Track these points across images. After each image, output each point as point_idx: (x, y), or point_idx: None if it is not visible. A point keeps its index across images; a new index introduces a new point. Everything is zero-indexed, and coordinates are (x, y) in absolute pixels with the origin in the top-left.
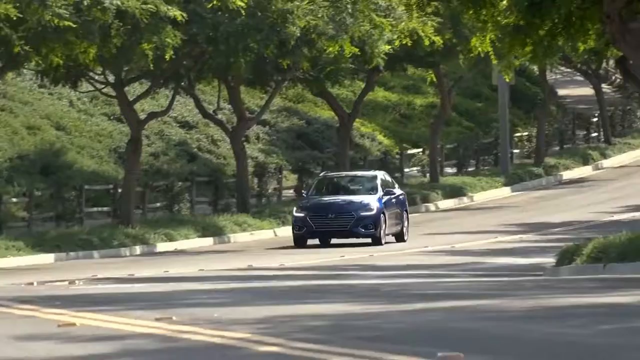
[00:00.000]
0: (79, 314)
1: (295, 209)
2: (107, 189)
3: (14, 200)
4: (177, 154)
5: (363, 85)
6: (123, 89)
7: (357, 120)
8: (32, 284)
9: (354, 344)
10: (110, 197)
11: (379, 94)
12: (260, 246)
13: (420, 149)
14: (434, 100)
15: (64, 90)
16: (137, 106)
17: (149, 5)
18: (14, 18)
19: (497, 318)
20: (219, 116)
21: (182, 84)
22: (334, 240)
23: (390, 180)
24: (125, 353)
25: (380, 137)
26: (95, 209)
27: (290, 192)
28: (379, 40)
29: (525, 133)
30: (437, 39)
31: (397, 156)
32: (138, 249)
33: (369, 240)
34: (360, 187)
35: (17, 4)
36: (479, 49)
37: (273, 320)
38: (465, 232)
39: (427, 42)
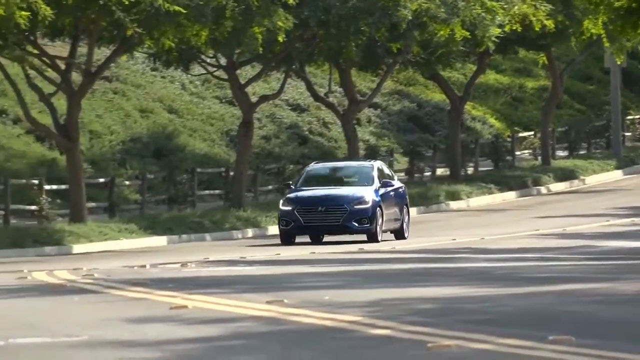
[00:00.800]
0: (191, 296)
1: (281, 202)
2: (219, 172)
3: (127, 183)
4: (288, 137)
5: (474, 68)
6: (235, 72)
7: (468, 103)
8: (144, 266)
9: (463, 327)
10: (222, 180)
11: (490, 77)
12: None
13: (532, 132)
14: (546, 83)
15: (176, 73)
16: (248, 89)
17: None
18: (127, 2)
19: (608, 302)
20: (330, 99)
21: (294, 67)
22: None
23: (389, 172)
24: (236, 336)
25: (491, 120)
26: (207, 191)
27: (402, 175)
28: (490, 25)
29: (637, 116)
30: (549, 23)
31: (509, 139)
32: (250, 232)
33: (363, 237)
34: (355, 179)
35: None
36: (591, 31)
37: (383, 303)
38: (576, 215)
39: (538, 27)
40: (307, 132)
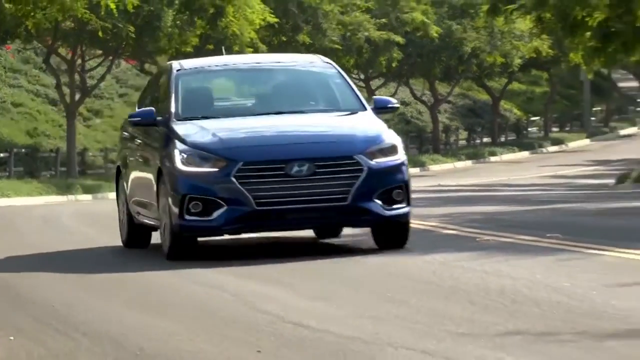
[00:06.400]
0: None
1: (178, 154)
2: None
3: None
4: (398, 120)
5: (506, 80)
6: (369, 82)
7: (502, 100)
8: None
9: (499, 229)
10: None
11: (515, 85)
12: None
13: (538, 117)
14: (547, 89)
15: None
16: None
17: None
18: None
19: (579, 214)
20: (423, 98)
21: (403, 80)
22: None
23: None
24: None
25: (515, 110)
26: None
27: (464, 142)
28: (515, 55)
29: (599, 108)
30: (550, 52)
31: (525, 121)
32: None
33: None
34: (313, 99)
35: None
36: (575, 60)
37: (451, 215)
38: (566, 165)
39: (545, 54)
40: (410, 117)
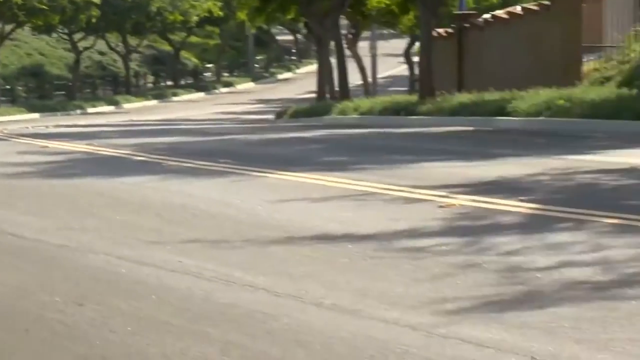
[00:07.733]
0: (50, 141)
1: None
2: None
3: None
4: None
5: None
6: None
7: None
8: (27, 128)
9: (179, 156)
10: None
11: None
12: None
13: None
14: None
15: None
16: None
17: None
18: None
19: (246, 144)
20: (118, 49)
21: (100, 34)
22: None
23: None
24: (71, 160)
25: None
26: None
27: (150, 84)
28: (192, 14)
29: (260, 57)
30: (221, 13)
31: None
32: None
33: None
34: None
35: None
36: (241, 17)
37: (141, 145)
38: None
39: (217, 14)
40: (106, 64)
